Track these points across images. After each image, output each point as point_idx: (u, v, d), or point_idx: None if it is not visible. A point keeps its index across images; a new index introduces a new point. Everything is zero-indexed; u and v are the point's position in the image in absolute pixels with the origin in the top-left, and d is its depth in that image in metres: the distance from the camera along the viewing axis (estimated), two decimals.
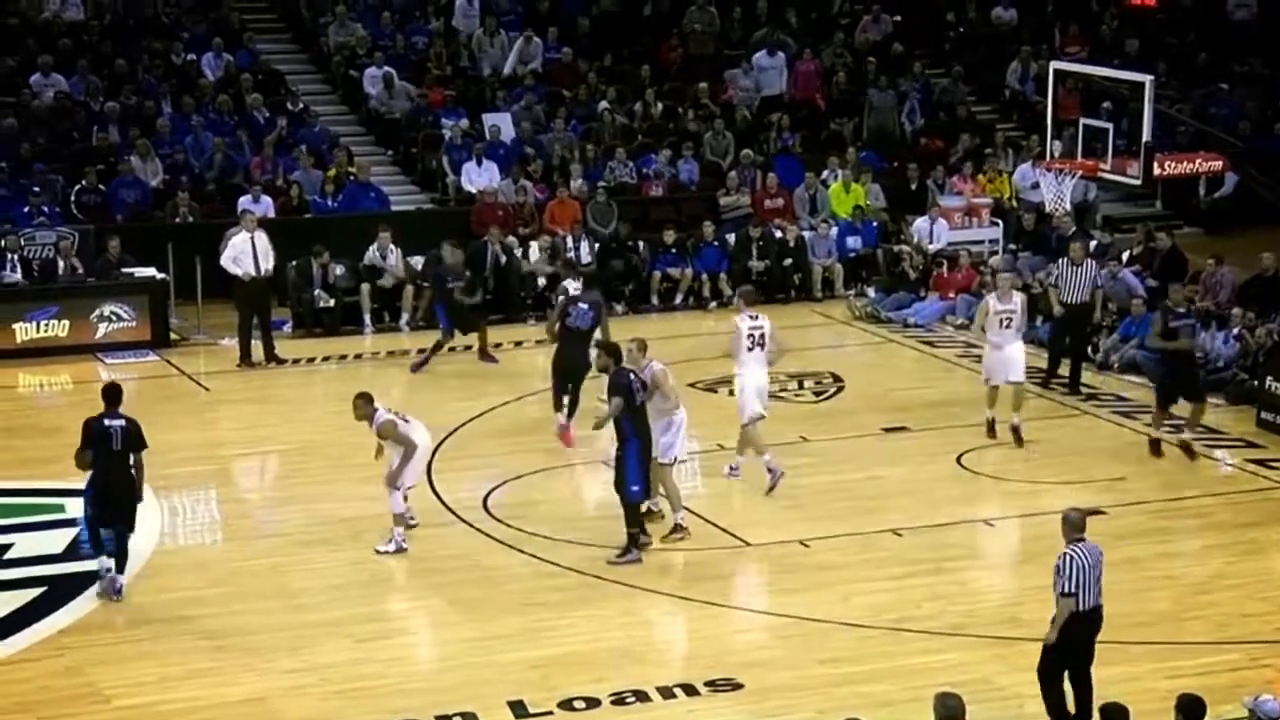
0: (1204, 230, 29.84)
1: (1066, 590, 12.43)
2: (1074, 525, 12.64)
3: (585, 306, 20.23)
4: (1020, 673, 13.74)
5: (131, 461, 15.55)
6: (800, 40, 32.36)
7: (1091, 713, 12.23)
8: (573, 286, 21.41)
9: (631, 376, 16.42)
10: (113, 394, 15.81)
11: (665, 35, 32.20)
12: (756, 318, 18.65)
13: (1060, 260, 22.04)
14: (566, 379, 19.99)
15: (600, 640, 14.74)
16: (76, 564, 16.57)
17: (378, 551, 16.58)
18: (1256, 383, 20.69)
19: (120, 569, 15.65)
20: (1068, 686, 12.52)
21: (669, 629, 15.20)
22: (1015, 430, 19.48)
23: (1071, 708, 12.48)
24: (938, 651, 14.25)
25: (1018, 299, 19.70)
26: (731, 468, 18.74)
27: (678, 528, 16.89)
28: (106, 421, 15.52)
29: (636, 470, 16.31)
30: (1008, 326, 19.45)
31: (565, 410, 19.84)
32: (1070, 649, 12.46)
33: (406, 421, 16.79)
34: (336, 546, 16.92)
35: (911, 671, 13.77)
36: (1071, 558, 12.45)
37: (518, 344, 24.44)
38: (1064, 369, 21.91)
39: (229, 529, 17.72)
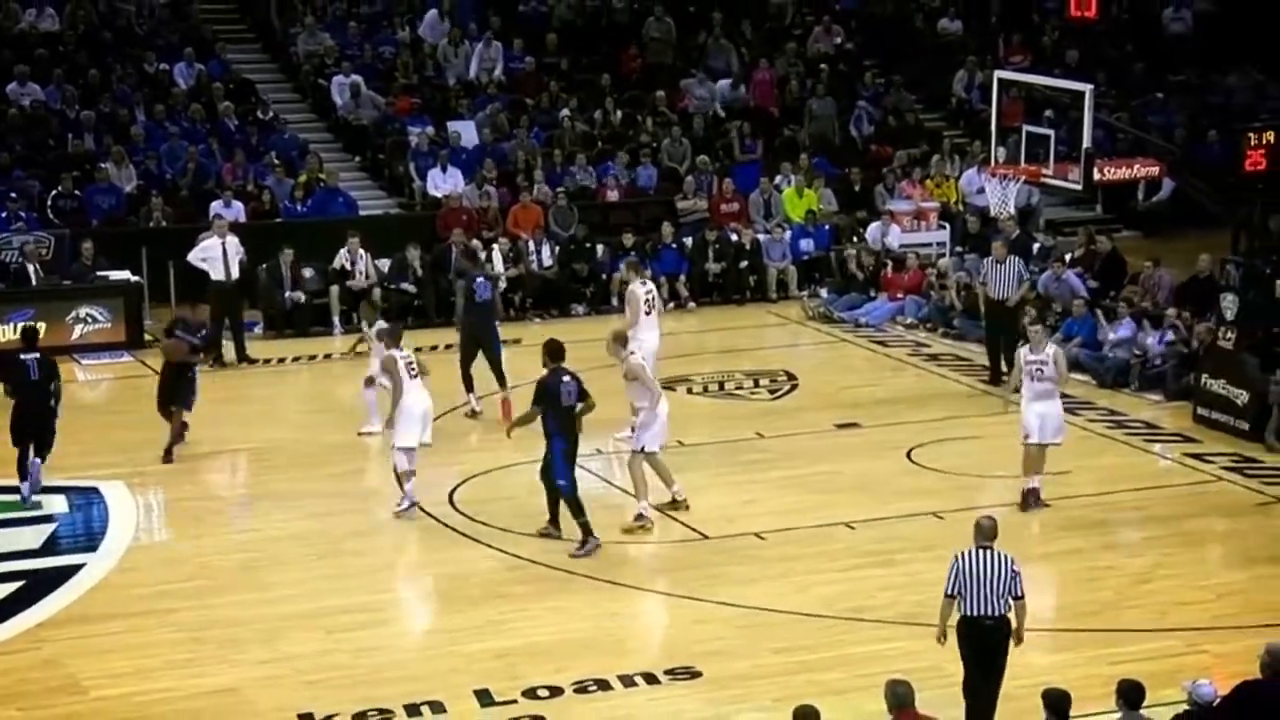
0: (1142, 233, 29.99)
1: (948, 591, 12.33)
2: (982, 532, 12.43)
3: (483, 280, 21.00)
4: None
5: (52, 388, 17.93)
6: (755, 50, 32.41)
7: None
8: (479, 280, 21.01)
9: (564, 379, 16.42)
10: (30, 335, 18.61)
11: (624, 45, 32.20)
12: (646, 283, 19.79)
13: (986, 260, 22.17)
14: (474, 351, 20.71)
15: (563, 631, 14.73)
16: (54, 559, 16.53)
17: (395, 513, 17.22)
18: (1193, 380, 20.79)
19: (23, 477, 17.73)
20: None
21: (630, 620, 15.19)
22: (1033, 493, 17.37)
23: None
24: (890, 640, 14.28)
25: (1049, 350, 17.42)
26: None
27: (640, 517, 16.89)
28: (22, 356, 17.96)
29: (563, 467, 16.37)
30: (1039, 380, 17.29)
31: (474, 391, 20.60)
32: (969, 655, 12.26)
33: (413, 376, 17.29)
34: (308, 541, 16.88)
35: (865, 659, 13.82)
36: (958, 561, 12.30)
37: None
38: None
39: (203, 525, 17.62)
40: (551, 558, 16.24)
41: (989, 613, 12.13)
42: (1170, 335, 22.00)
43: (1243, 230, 20.53)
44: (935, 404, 21.37)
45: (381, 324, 19.68)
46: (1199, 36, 34.52)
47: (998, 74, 22.37)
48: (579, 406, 16.51)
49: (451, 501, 17.83)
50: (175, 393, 19.16)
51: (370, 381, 19.57)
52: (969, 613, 12.19)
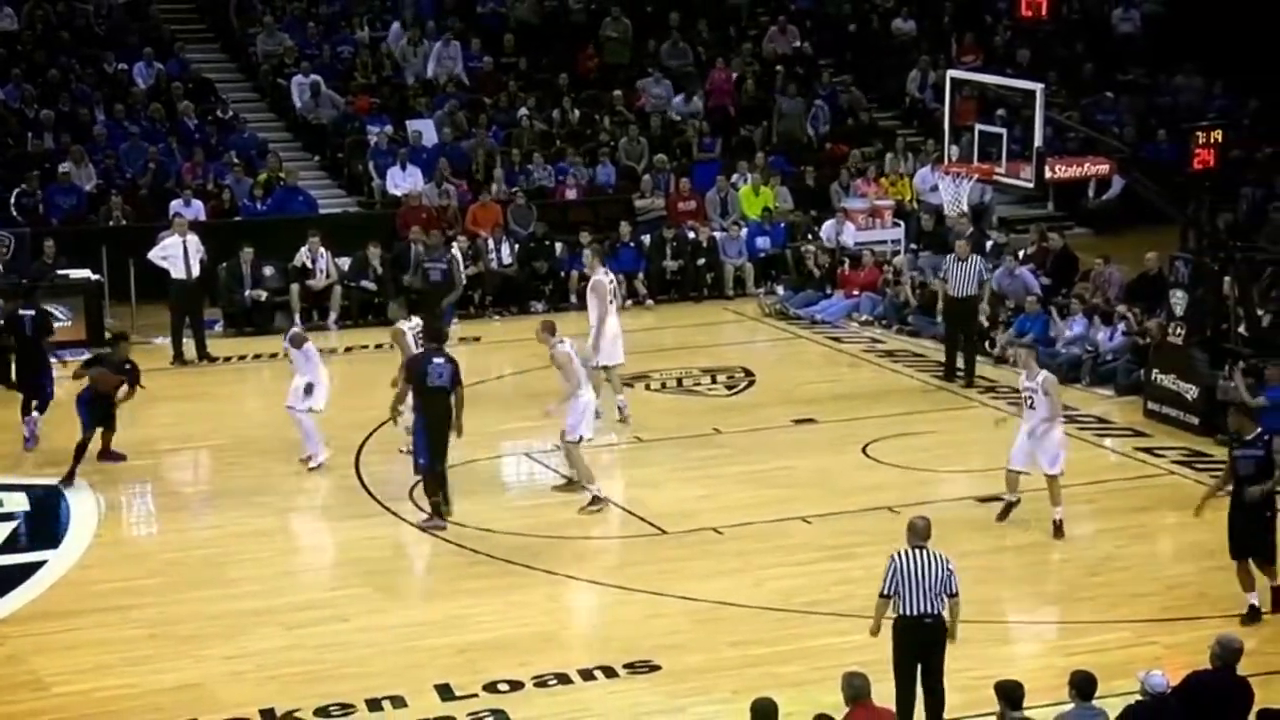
0: (1093, 231, 30.17)
1: (883, 591, 12.37)
2: (915, 532, 12.48)
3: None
4: None
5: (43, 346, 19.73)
6: (711, 50, 32.45)
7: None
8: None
9: (434, 360, 16.80)
10: (29, 290, 20.97)
11: (582, 45, 32.19)
12: (608, 272, 20.06)
13: (948, 257, 22.24)
14: None
15: (523, 625, 14.74)
16: (15, 556, 16.44)
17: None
18: (1144, 375, 20.92)
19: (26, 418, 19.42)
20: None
21: (589, 614, 15.21)
22: (1056, 525, 16.54)
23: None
24: (846, 633, 14.29)
25: (1041, 377, 16.58)
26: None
27: (595, 500, 17.08)
28: (20, 311, 19.86)
29: (422, 444, 16.76)
30: (1031, 406, 16.56)
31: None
32: (907, 655, 12.29)
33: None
34: (270, 538, 16.86)
35: (821, 652, 13.85)
36: (895, 561, 12.33)
37: None
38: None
39: (165, 521, 17.58)
40: (511, 553, 16.25)
41: (927, 611, 12.20)
42: (1123, 329, 22.14)
43: (1191, 228, 20.61)
44: (891, 400, 21.44)
45: (415, 320, 19.18)
46: (1148, 37, 34.73)
47: (950, 73, 22.37)
48: (455, 393, 16.84)
49: (412, 498, 17.79)
50: (104, 418, 18.76)
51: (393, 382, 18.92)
52: (908, 612, 12.22)
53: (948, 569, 12.28)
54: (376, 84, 30.54)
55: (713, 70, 31.85)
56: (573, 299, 26.39)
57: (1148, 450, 19.44)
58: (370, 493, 17.88)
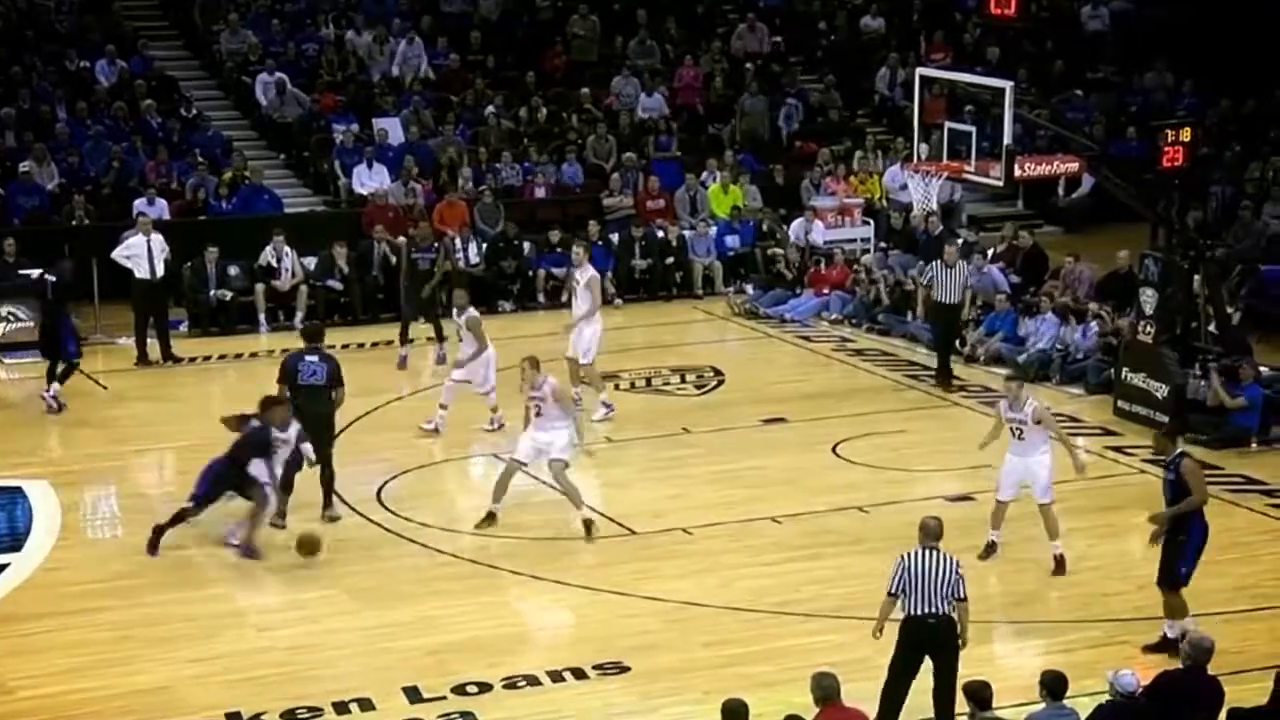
0: (1063, 229, 30.36)
1: (890, 590, 12.45)
2: (927, 532, 12.57)
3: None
4: None
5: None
6: (680, 47, 32.52)
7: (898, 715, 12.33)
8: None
9: (306, 359, 17.30)
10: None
11: (549, 42, 32.23)
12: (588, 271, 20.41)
13: (934, 263, 22.23)
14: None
15: (492, 626, 14.79)
16: None
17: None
18: (1114, 374, 21.05)
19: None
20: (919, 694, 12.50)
21: (558, 615, 15.26)
22: (1058, 560, 15.90)
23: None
24: (817, 633, 14.42)
25: (1030, 409, 15.89)
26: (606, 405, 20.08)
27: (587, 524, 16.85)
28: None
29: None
30: (1020, 438, 15.94)
31: None
32: (907, 653, 12.39)
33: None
34: (237, 539, 16.80)
35: (792, 653, 13.94)
36: (903, 560, 12.42)
37: (409, 341, 24.31)
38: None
39: (131, 523, 17.53)
40: (480, 554, 16.30)
41: (932, 611, 12.26)
42: (1095, 327, 22.27)
43: (1161, 226, 20.76)
44: (860, 399, 21.54)
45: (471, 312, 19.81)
46: (1117, 34, 34.93)
47: (919, 71, 22.46)
48: (335, 392, 17.13)
49: (380, 499, 17.83)
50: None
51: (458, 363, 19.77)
52: (913, 611, 12.30)
53: (957, 572, 12.35)
54: (342, 82, 30.52)
55: (681, 68, 31.93)
56: (540, 298, 26.47)
57: (1118, 449, 19.57)
58: (338, 494, 17.86)
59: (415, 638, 14.51)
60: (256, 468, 16.23)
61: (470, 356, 19.64)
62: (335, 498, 17.33)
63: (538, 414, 16.82)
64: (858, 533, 16.89)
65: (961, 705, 11.45)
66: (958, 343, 22.83)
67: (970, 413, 20.96)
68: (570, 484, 16.90)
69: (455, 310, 19.91)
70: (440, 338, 22.94)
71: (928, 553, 12.41)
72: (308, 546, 16.02)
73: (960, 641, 12.42)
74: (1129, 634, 14.21)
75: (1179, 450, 14.29)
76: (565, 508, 17.14)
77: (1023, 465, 15.90)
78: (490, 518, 16.93)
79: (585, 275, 20.34)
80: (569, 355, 20.36)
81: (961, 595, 12.36)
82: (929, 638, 12.30)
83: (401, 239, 24.85)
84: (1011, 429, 16.00)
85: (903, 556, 12.45)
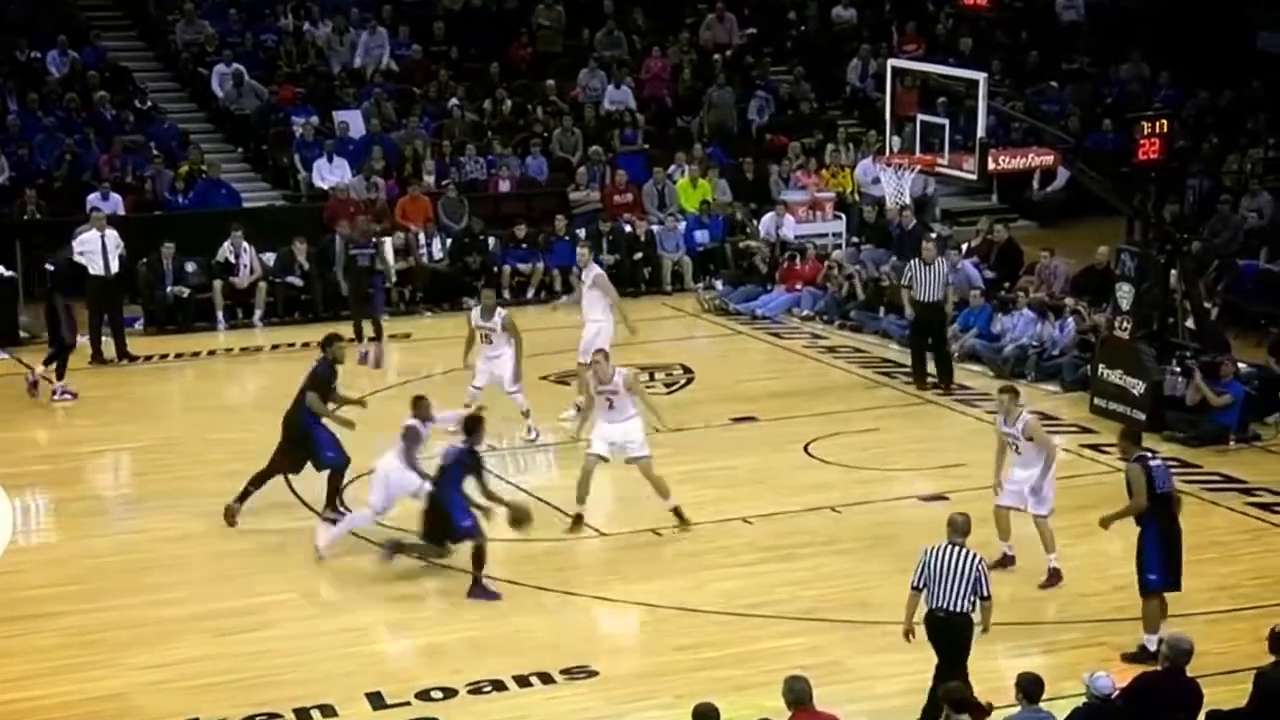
0: (1038, 223, 30.46)
1: (913, 584, 12.61)
2: (954, 528, 12.71)
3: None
4: (870, 655, 14.00)
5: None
6: (647, 38, 32.52)
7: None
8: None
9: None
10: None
11: (514, 33, 32.19)
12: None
13: (913, 261, 22.22)
14: None
15: (457, 631, 14.76)
16: None
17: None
18: (1090, 370, 21.12)
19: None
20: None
21: (525, 619, 15.20)
22: (1052, 572, 15.72)
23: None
24: (790, 636, 14.43)
25: (1021, 424, 15.59)
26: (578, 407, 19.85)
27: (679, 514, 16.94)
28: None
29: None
30: (1018, 451, 15.70)
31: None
32: (935, 649, 12.52)
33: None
34: (194, 542, 16.78)
35: (765, 656, 13.93)
36: (925, 554, 12.57)
37: (371, 339, 24.27)
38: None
39: (86, 526, 17.46)
40: (446, 558, 16.23)
41: (948, 607, 12.37)
42: (1072, 323, 22.33)
43: (1137, 220, 20.83)
44: (832, 397, 21.57)
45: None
46: (1092, 25, 35.06)
47: (891, 62, 22.48)
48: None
49: (340, 501, 17.74)
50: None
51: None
52: (931, 605, 12.47)
53: (978, 569, 12.44)
54: (301, 73, 30.45)
55: (648, 59, 31.94)
56: (505, 294, 26.42)
57: (1094, 447, 19.63)
58: (298, 495, 17.82)
59: (378, 642, 14.50)
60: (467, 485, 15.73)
61: (501, 355, 19.47)
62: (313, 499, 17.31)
63: (609, 407, 16.96)
64: (830, 533, 16.90)
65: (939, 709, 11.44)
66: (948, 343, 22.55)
67: (943, 410, 21.01)
68: (656, 476, 17.01)
69: (481, 312, 19.57)
70: (378, 336, 22.84)
71: (951, 548, 12.54)
72: (519, 517, 15.89)
73: (981, 628, 12.58)
74: (1107, 635, 14.25)
75: (1138, 453, 14.30)
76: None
77: (1024, 476, 15.68)
78: (578, 520, 16.91)
79: (591, 274, 20.31)
80: (582, 360, 20.41)
81: (985, 594, 12.47)
82: (941, 631, 12.44)
83: (340, 234, 24.73)
84: (1008, 443, 15.77)
85: (925, 550, 12.60)
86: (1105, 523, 14.38)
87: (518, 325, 19.74)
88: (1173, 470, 18.60)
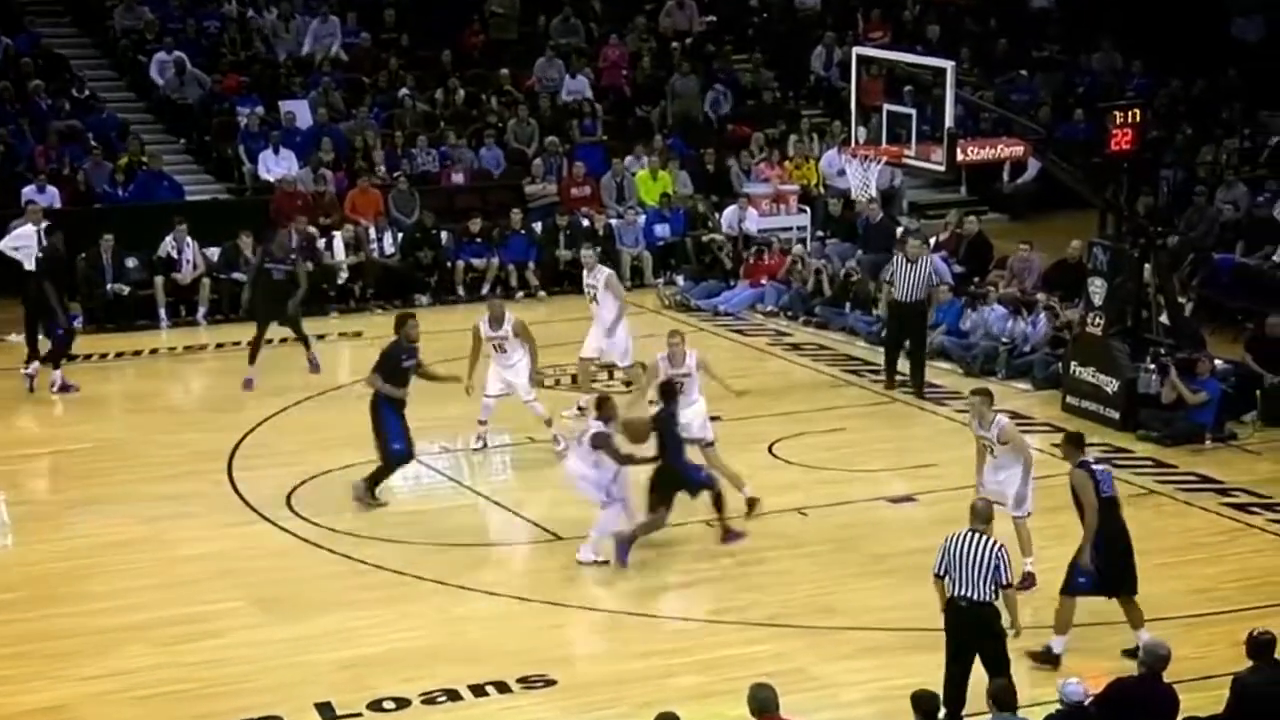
0: (1008, 216, 30.60)
1: (935, 571, 12.82)
2: (976, 515, 12.91)
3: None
4: (836, 661, 14.07)
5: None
6: (605, 25, 32.55)
7: (962, 703, 12.52)
8: None
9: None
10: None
11: (466, 20, 32.18)
12: None
13: (896, 257, 22.26)
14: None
15: (410, 639, 14.75)
16: None
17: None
18: (1062, 368, 21.23)
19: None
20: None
21: (480, 625, 15.21)
22: (1027, 576, 15.57)
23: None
24: (754, 643, 14.46)
25: (996, 429, 15.62)
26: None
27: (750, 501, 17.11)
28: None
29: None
30: (993, 454, 15.73)
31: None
32: (951, 637, 12.74)
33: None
34: (137, 548, 16.74)
35: (728, 663, 13.97)
36: (946, 541, 12.80)
37: (320, 337, 24.25)
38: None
39: (22, 531, 17.42)
40: (397, 562, 16.25)
41: (967, 594, 12.59)
42: (1044, 319, 22.43)
43: (1109, 212, 20.95)
44: (797, 395, 21.63)
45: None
46: (1063, 12, 35.24)
47: (857, 50, 22.55)
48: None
49: (289, 504, 17.75)
50: None
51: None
52: (951, 592, 12.68)
53: (997, 556, 12.61)
54: (246, 61, 30.37)
55: (606, 47, 31.95)
56: (459, 291, 26.42)
57: None
58: (245, 500, 17.81)
59: (328, 651, 14.46)
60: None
61: (517, 363, 19.25)
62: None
63: (680, 390, 17.09)
64: (796, 536, 16.95)
65: (908, 714, 11.48)
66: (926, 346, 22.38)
67: (911, 409, 21.09)
68: (723, 462, 17.24)
69: (490, 322, 19.19)
70: (307, 343, 22.33)
71: (972, 535, 12.70)
72: (635, 431, 16.25)
73: (1013, 631, 12.79)
74: (1081, 640, 14.32)
75: (1081, 459, 14.41)
76: (480, 513, 17.18)
77: (999, 479, 15.72)
78: (752, 504, 17.08)
79: (601, 276, 20.40)
80: (585, 355, 20.61)
81: (1005, 581, 12.65)
82: (962, 621, 12.63)
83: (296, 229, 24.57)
84: (983, 446, 15.81)
85: (946, 538, 12.78)
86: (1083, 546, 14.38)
87: (528, 327, 19.54)
88: (1147, 471, 18.89)
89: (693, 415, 17.30)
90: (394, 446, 17.48)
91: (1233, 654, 12.68)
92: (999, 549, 12.68)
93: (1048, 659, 13.91)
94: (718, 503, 16.45)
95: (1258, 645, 11.85)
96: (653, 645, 14.58)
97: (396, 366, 17.63)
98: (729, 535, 16.58)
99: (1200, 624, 14.87)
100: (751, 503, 17.11)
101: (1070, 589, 14.13)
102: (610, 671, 14.08)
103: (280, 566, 16.37)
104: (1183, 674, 12.49)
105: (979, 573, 12.58)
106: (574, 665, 14.16)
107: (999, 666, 12.45)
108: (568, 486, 16.87)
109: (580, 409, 19.90)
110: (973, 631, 12.64)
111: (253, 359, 21.70)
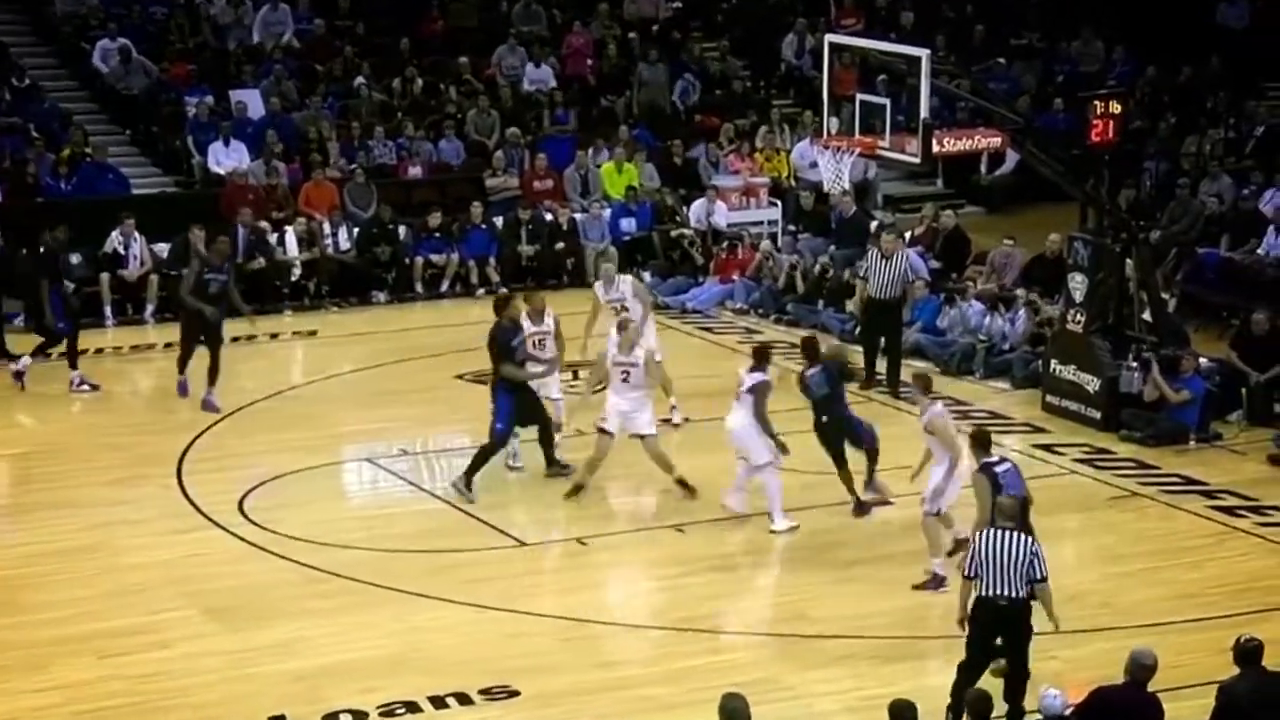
0: (986, 209, 30.66)
1: (966, 573, 12.86)
2: (1003, 512, 13.00)
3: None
4: (809, 670, 14.07)
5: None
6: (569, 11, 32.53)
7: (1021, 710, 12.64)
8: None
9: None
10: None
11: (425, 7, 32.12)
12: None
13: (870, 252, 22.27)
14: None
15: (368, 648, 14.71)
16: None
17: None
18: (1041, 366, 21.26)
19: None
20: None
21: (440, 635, 15.18)
22: (931, 577, 15.84)
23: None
24: (723, 652, 14.47)
25: (926, 417, 15.91)
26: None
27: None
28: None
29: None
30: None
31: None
32: (981, 638, 12.78)
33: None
34: (81, 556, 16.66)
35: (697, 673, 13.94)
36: (975, 541, 12.86)
37: (274, 336, 24.20)
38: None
39: None
40: (353, 569, 16.20)
41: (1003, 593, 12.64)
42: (1023, 316, 22.45)
43: (1090, 206, 20.99)
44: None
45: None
46: None
47: (829, 38, 22.52)
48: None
49: (241, 509, 17.69)
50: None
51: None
52: (983, 593, 12.71)
53: (1032, 551, 12.70)
54: (194, 49, 30.27)
55: (570, 35, 31.92)
56: (418, 288, 26.36)
57: (1046, 448, 19.78)
58: (194, 504, 17.75)
59: (282, 662, 14.41)
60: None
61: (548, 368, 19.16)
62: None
63: (624, 380, 17.77)
64: (767, 542, 16.95)
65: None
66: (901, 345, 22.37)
67: (886, 410, 21.07)
68: (660, 452, 17.82)
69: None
70: (215, 372, 21.12)
71: (1002, 533, 12.76)
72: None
73: (1053, 625, 12.91)
74: (1059, 648, 14.33)
75: (984, 459, 14.55)
76: (439, 517, 17.14)
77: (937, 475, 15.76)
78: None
79: (626, 286, 20.44)
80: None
81: (1040, 575, 12.73)
82: (998, 620, 12.68)
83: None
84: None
85: (975, 536, 12.85)
86: (953, 552, 15.24)
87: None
88: (1130, 472, 18.93)
89: (634, 405, 17.73)
90: (497, 426, 17.86)
91: (1219, 661, 12.70)
92: (1033, 545, 12.79)
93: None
94: (873, 455, 17.13)
95: (1245, 652, 11.86)
96: (619, 654, 14.58)
97: (509, 348, 18.02)
98: (872, 484, 17.21)
99: (1185, 630, 14.89)
100: (683, 483, 17.70)
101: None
102: (575, 682, 14.04)
103: (232, 574, 16.31)
104: (1167, 682, 12.49)
105: (1015, 571, 12.66)
106: (537, 675, 14.11)
107: (1024, 666, 12.69)
108: (518, 492, 16.91)
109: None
110: (1010, 630, 12.74)
111: (183, 368, 21.25)
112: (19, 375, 21.78)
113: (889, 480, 17.70)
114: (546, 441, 18.46)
